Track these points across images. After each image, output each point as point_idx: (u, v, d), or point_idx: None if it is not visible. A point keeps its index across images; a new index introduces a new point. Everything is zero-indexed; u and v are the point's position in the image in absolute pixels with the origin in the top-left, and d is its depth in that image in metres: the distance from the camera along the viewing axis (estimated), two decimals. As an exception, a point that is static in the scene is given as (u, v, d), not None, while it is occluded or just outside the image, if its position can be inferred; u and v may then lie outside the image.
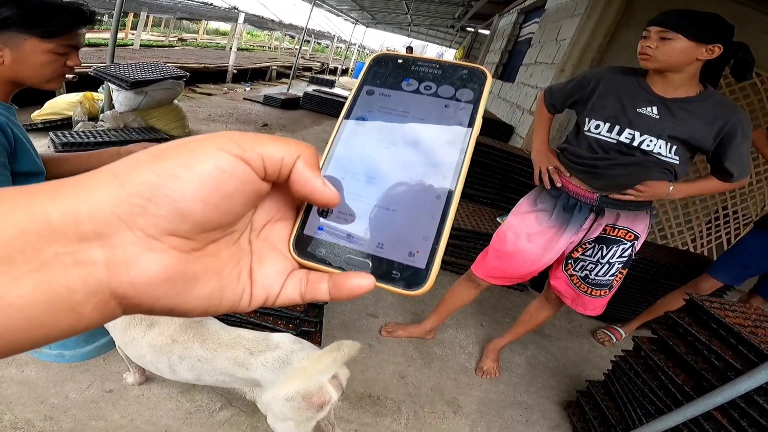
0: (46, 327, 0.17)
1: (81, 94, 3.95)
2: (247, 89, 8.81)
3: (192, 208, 0.19)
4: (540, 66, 4.08)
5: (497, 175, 3.20)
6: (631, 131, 1.38)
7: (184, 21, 20.46)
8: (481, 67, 0.27)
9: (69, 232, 0.17)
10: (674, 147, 1.36)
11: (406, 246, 0.23)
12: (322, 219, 0.25)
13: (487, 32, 9.12)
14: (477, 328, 2.38)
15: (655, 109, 1.36)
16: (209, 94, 7.34)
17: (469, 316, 2.46)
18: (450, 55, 19.64)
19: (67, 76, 1.00)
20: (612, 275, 1.55)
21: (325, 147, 0.26)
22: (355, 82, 0.28)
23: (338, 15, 15.62)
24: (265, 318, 1.63)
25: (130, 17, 12.22)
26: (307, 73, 13.26)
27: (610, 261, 1.52)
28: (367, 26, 17.98)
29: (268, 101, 7.37)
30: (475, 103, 0.26)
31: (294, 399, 1.02)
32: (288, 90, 8.64)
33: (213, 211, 0.20)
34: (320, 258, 0.24)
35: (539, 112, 1.71)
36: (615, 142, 1.41)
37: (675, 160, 1.37)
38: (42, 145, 3.16)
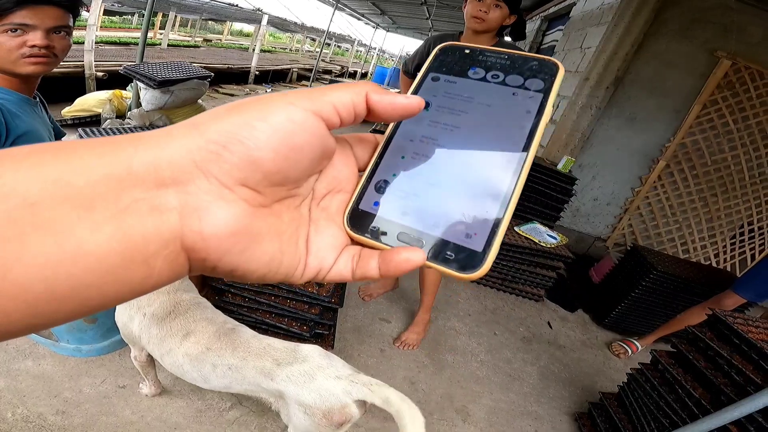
0: (119, 282, 0.17)
1: (110, 92, 4.08)
2: (268, 90, 8.95)
3: (263, 156, 0.19)
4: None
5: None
6: None
7: (209, 22, 20.96)
8: (553, 59, 0.26)
9: (149, 179, 0.18)
10: None
11: (463, 227, 0.23)
12: (378, 194, 0.25)
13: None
14: (490, 336, 2.37)
15: None
16: (231, 95, 7.49)
17: (482, 324, 2.45)
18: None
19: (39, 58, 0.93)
20: None
21: (388, 127, 0.27)
22: None
23: (359, 19, 15.75)
24: (280, 319, 1.65)
25: (159, 17, 12.56)
26: (327, 76, 13.39)
27: None
28: (388, 31, 18.08)
29: (289, 103, 7.45)
30: (546, 92, 0.25)
31: (315, 414, 1.01)
32: (308, 92, 8.72)
33: (282, 162, 0.20)
34: (372, 233, 0.24)
35: (402, 80, 2.05)
36: None
37: None
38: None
